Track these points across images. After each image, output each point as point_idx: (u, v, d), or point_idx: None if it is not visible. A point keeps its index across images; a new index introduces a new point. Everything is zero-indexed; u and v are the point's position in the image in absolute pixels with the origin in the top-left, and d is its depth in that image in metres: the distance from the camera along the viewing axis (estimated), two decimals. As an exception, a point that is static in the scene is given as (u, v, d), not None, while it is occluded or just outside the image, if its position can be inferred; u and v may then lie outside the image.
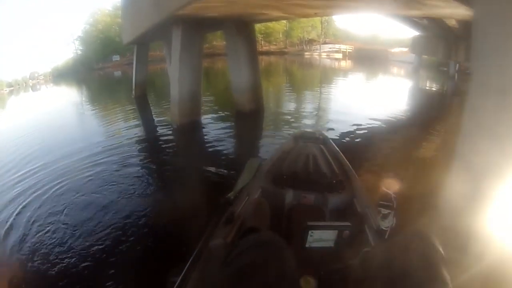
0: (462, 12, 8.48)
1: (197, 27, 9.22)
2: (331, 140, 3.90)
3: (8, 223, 4.80)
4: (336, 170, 3.17)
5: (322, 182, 2.94)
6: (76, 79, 37.23)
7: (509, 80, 2.71)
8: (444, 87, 20.96)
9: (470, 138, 3.09)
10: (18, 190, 6.01)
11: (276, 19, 14.06)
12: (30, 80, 49.32)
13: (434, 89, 20.59)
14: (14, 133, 11.58)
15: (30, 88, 40.52)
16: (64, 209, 5.07)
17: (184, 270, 1.65)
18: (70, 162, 7.17)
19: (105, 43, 47.96)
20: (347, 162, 3.42)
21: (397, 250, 1.11)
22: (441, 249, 1.01)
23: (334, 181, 2.95)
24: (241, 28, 10.31)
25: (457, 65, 23.41)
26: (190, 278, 1.62)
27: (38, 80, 49.15)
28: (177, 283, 1.56)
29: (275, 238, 1.22)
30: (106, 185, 5.79)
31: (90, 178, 6.22)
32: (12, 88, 44.61)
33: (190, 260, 1.72)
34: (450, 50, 21.75)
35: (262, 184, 2.95)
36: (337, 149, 3.71)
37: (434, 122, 10.23)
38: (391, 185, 3.35)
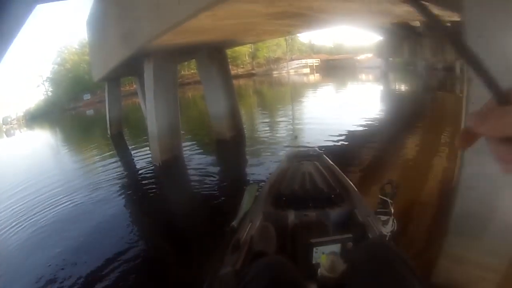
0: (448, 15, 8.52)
1: (169, 58, 9.02)
2: (325, 156, 3.93)
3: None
4: (333, 185, 3.19)
5: (321, 198, 2.97)
6: (49, 121, 36.73)
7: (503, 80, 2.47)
8: (415, 85, 21.77)
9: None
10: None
11: (249, 42, 13.98)
12: (4, 126, 48.32)
13: (405, 88, 21.29)
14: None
15: (4, 134, 39.56)
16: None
17: None
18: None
19: (74, 82, 47.62)
20: (344, 175, 3.45)
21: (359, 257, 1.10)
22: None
23: (332, 196, 2.98)
24: (214, 55, 10.19)
25: (424, 62, 24.48)
26: None
27: (12, 125, 48.19)
28: None
29: (282, 260, 1.24)
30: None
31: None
32: (-15, 134, 43.59)
33: None
34: (415, 49, 22.52)
35: (263, 208, 2.94)
36: (332, 163, 3.75)
37: (413, 119, 10.57)
38: (385, 191, 3.43)
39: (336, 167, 3.65)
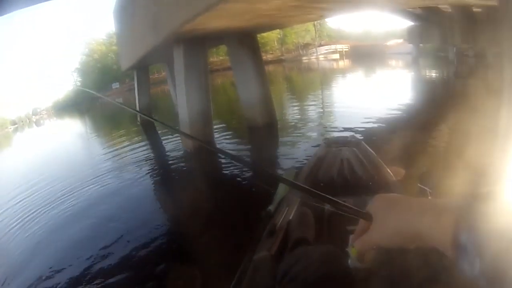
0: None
1: (199, 43, 8.90)
2: (364, 143, 3.79)
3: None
4: (372, 172, 3.13)
5: (359, 186, 2.92)
6: (78, 111, 37.28)
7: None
8: (446, 72, 21.46)
9: None
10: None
11: (280, 27, 13.75)
12: (33, 116, 49.54)
13: (436, 75, 20.75)
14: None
15: (34, 124, 40.59)
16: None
17: (232, 285, 1.58)
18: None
19: (103, 72, 48.31)
20: (382, 163, 3.35)
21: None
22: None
23: (370, 183, 2.94)
24: (244, 40, 10.02)
25: (455, 48, 23.72)
26: None
27: (41, 115, 49.42)
28: None
29: (335, 250, 1.23)
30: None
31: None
32: (16, 125, 44.71)
33: (237, 275, 1.64)
34: (446, 35, 21.87)
35: (300, 194, 2.79)
36: (371, 150, 3.62)
37: (445, 106, 10.22)
38: (425, 180, 3.12)
39: (374, 154, 3.55)
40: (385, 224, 0.67)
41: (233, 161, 7.00)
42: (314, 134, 8.97)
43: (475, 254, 0.45)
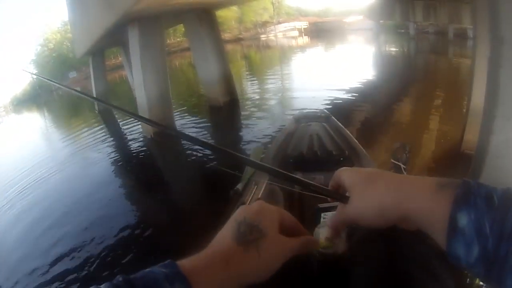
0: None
1: (155, 22, 8.53)
2: (333, 117, 3.71)
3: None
4: (343, 147, 3.05)
5: (330, 161, 2.84)
6: (37, 104, 36.14)
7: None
8: (407, 48, 21.83)
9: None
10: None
11: (238, 3, 13.53)
12: (-9, 114, 47.52)
13: (397, 51, 21.14)
14: None
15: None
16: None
17: None
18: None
19: (59, 61, 46.79)
20: (353, 137, 3.30)
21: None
22: None
23: (341, 159, 2.86)
24: (203, 17, 9.71)
25: (415, 25, 24.53)
26: None
27: (-1, 113, 47.42)
28: None
29: None
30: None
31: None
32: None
33: None
34: (407, 12, 22.48)
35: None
36: (341, 125, 3.56)
37: (409, 79, 10.72)
38: (398, 156, 3.21)
39: (345, 129, 3.47)
40: (366, 200, 0.58)
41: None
42: (275, 112, 8.96)
43: (475, 239, 0.42)
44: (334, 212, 0.67)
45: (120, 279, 0.44)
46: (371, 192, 0.57)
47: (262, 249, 0.54)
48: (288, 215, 0.66)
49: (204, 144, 0.86)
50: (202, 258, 0.51)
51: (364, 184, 0.60)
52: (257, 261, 0.53)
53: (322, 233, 0.78)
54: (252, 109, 9.64)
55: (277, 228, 0.59)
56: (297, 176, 0.71)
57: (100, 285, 0.42)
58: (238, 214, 0.60)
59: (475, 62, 4.95)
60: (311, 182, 0.69)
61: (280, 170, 0.73)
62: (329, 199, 0.69)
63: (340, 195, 0.65)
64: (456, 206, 0.45)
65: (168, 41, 40.76)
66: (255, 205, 0.62)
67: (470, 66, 5.31)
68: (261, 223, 0.57)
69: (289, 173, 0.74)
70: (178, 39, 44.44)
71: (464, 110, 5.42)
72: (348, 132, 3.42)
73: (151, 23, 8.41)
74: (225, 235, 0.56)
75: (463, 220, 0.43)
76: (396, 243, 0.88)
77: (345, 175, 0.65)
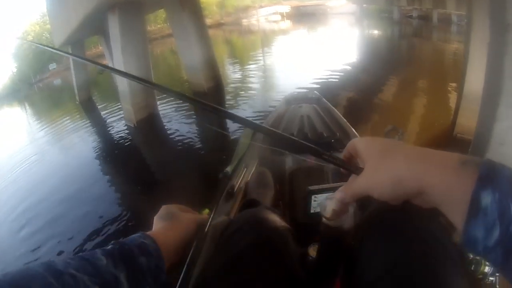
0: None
1: (135, 9, 8.33)
2: (324, 99, 3.62)
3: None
4: (334, 129, 2.98)
5: (321, 143, 2.71)
6: (17, 98, 35.60)
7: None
8: (390, 32, 21.86)
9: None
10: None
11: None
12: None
13: (380, 35, 21.37)
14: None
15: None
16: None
17: (191, 252, 1.20)
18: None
19: (38, 53, 45.84)
20: (344, 120, 3.21)
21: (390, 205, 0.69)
22: None
23: (332, 140, 2.76)
24: (185, 1, 9.50)
25: (399, 10, 24.62)
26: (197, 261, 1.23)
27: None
28: (186, 264, 1.14)
29: (268, 214, 1.05)
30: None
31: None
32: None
33: (195, 242, 1.20)
34: None
35: (259, 153, 2.75)
36: (332, 107, 3.48)
37: (393, 63, 10.76)
38: (390, 137, 2.98)
39: (336, 111, 3.41)
40: (382, 171, 0.55)
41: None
42: (259, 96, 8.98)
43: (497, 221, 0.40)
44: (342, 186, 0.65)
45: (113, 241, 0.68)
46: (389, 162, 0.54)
47: (176, 220, 0.92)
48: (184, 208, 1.03)
49: (194, 101, 0.83)
50: (156, 229, 0.88)
51: (381, 153, 0.57)
52: (176, 227, 0.90)
53: (329, 204, 0.72)
54: (237, 93, 9.62)
55: (179, 210, 0.97)
56: (308, 143, 0.70)
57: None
58: (160, 214, 0.94)
59: (469, 47, 4.95)
60: (323, 150, 0.67)
61: (291, 136, 0.72)
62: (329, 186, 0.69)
63: (353, 165, 0.63)
64: (480, 184, 0.42)
65: (149, 28, 40.29)
66: (164, 208, 0.97)
67: (464, 52, 5.30)
68: (171, 210, 0.96)
69: (300, 140, 0.72)
70: (159, 26, 44.04)
71: (457, 95, 5.45)
72: (339, 113, 3.35)
73: (131, 8, 8.20)
74: (158, 221, 0.92)
75: (487, 199, 0.41)
76: (410, 222, 0.77)
77: (360, 144, 0.63)
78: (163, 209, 0.95)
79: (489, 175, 0.42)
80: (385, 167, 0.54)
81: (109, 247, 0.67)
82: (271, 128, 0.74)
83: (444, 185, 0.46)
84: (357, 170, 0.60)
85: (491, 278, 1.04)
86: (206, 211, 1.16)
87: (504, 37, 2.83)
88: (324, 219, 0.74)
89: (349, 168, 0.62)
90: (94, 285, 0.59)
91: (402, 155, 0.53)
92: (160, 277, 0.73)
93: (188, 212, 0.99)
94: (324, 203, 0.74)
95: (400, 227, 0.78)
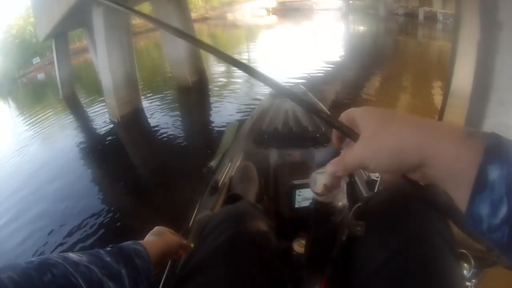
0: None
1: (120, 1, 8.02)
2: (310, 93, 3.48)
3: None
4: (319, 123, 2.91)
5: (306, 137, 2.77)
6: (0, 94, 35.24)
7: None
8: (376, 28, 21.92)
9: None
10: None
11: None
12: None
13: (366, 31, 21.48)
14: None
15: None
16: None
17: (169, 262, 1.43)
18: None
19: (22, 47, 45.34)
20: (329, 114, 2.83)
21: (390, 200, 0.84)
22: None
23: (317, 135, 2.74)
24: None
25: (385, 6, 24.87)
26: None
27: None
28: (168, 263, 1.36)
29: (249, 208, 1.12)
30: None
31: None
32: None
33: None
34: None
35: (244, 147, 2.77)
36: (317, 101, 3.36)
37: (380, 58, 10.90)
38: None
39: (321, 105, 3.32)
40: (382, 139, 0.50)
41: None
42: (244, 90, 8.98)
43: (505, 197, 0.37)
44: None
45: (110, 246, 0.77)
46: (389, 130, 0.49)
47: (163, 237, 1.03)
48: (173, 232, 1.13)
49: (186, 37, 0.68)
50: (146, 240, 0.98)
51: (381, 121, 0.51)
52: (162, 242, 0.99)
53: (320, 179, 0.67)
54: (221, 87, 9.65)
55: (168, 232, 1.09)
56: (310, 99, 0.78)
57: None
58: (152, 231, 1.07)
59: (457, 45, 4.97)
60: (322, 108, 0.66)
61: (286, 87, 0.67)
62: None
63: (350, 129, 0.57)
64: (487, 157, 0.39)
65: (133, 22, 40.07)
66: (157, 228, 1.09)
67: (451, 49, 5.31)
68: (162, 230, 1.08)
69: (297, 94, 0.69)
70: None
71: (443, 92, 5.53)
72: (325, 108, 3.25)
73: (116, 1, 8.00)
74: (149, 235, 1.05)
75: (494, 173, 0.37)
76: (407, 216, 0.77)
77: (358, 112, 0.57)
78: (156, 228, 1.08)
79: (496, 148, 0.39)
80: (385, 135, 0.50)
81: (109, 248, 0.78)
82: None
83: (449, 156, 0.43)
84: (355, 136, 0.55)
85: (467, 283, 1.04)
86: (192, 245, 1.15)
87: (496, 35, 2.84)
88: (314, 195, 0.69)
89: (346, 131, 0.57)
90: (104, 277, 0.67)
91: (404, 122, 0.49)
92: (150, 278, 0.82)
93: (175, 236, 1.10)
94: (315, 178, 0.68)
95: (398, 221, 0.77)
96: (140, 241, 0.89)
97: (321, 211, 0.72)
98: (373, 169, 0.52)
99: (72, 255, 0.66)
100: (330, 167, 0.59)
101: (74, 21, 11.43)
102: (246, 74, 0.65)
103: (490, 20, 2.90)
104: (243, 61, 0.64)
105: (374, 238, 0.78)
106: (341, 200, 0.70)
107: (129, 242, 0.84)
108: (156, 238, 1.01)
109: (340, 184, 0.66)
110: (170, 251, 1.02)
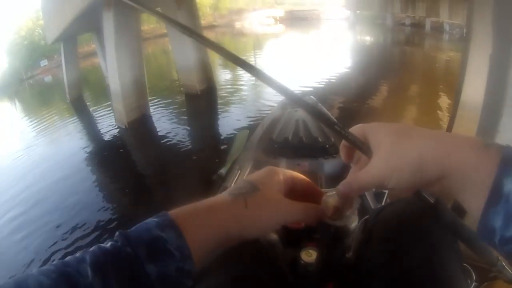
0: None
1: (131, 6, 8.02)
2: (320, 104, 3.51)
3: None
4: (329, 134, 2.92)
5: (315, 148, 2.79)
6: (7, 94, 35.41)
7: None
8: (383, 39, 22.11)
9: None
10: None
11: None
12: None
13: (373, 41, 21.51)
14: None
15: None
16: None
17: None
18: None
19: (30, 49, 45.64)
20: (343, 127, 2.89)
21: (395, 214, 0.80)
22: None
23: (327, 146, 2.78)
24: (182, 1, 9.48)
25: (392, 17, 24.77)
26: None
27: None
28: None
29: None
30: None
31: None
32: None
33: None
34: (385, 3, 23.00)
35: (253, 156, 2.79)
36: (327, 112, 3.54)
37: (384, 70, 10.71)
38: None
39: (331, 115, 3.20)
40: (401, 154, 0.49)
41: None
42: (251, 98, 9.06)
43: None
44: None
45: (117, 233, 0.50)
46: (408, 144, 0.49)
47: (250, 202, 0.57)
48: (303, 181, 0.68)
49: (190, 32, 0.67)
50: (194, 206, 0.56)
51: (397, 136, 0.51)
52: (243, 212, 0.56)
53: (330, 202, 0.66)
54: (229, 95, 9.71)
55: (280, 189, 0.62)
56: (322, 110, 0.66)
57: (102, 243, 0.50)
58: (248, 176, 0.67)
59: (467, 58, 4.86)
60: (335, 120, 0.62)
61: (301, 97, 0.66)
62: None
63: (364, 144, 0.54)
64: (503, 169, 0.39)
65: (142, 28, 40.41)
66: (264, 168, 0.68)
67: (462, 61, 5.19)
68: (259, 180, 0.61)
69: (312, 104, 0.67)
70: (152, 26, 44.17)
71: (452, 104, 5.37)
72: (334, 119, 3.20)
73: (127, 7, 8.00)
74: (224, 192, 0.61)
75: (510, 186, 0.37)
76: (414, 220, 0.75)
77: (370, 128, 0.56)
78: (257, 173, 0.67)
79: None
80: (404, 150, 0.48)
81: (111, 242, 0.51)
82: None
83: (468, 165, 0.43)
84: (368, 152, 0.53)
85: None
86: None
87: (509, 49, 2.84)
88: (327, 219, 0.67)
89: (360, 145, 0.55)
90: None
91: (421, 136, 0.49)
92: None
93: (304, 200, 0.64)
94: (326, 201, 0.67)
95: (409, 237, 0.73)
96: (177, 212, 0.55)
97: (334, 234, 0.72)
98: (392, 186, 0.50)
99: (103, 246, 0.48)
100: (342, 188, 0.58)
101: (84, 25, 11.46)
102: (259, 81, 0.62)
103: (504, 35, 2.91)
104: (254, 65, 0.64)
105: (384, 254, 0.74)
106: (354, 222, 0.71)
107: (152, 218, 0.53)
108: (224, 196, 0.60)
109: (352, 206, 0.66)
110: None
